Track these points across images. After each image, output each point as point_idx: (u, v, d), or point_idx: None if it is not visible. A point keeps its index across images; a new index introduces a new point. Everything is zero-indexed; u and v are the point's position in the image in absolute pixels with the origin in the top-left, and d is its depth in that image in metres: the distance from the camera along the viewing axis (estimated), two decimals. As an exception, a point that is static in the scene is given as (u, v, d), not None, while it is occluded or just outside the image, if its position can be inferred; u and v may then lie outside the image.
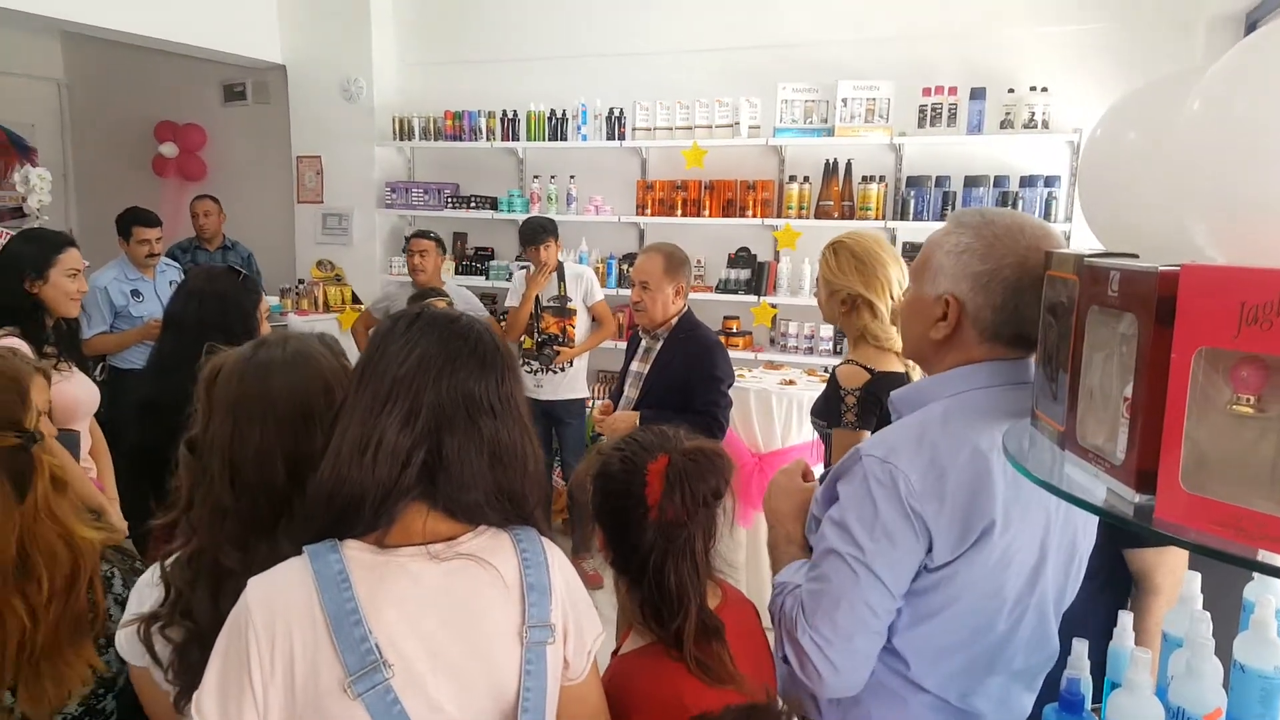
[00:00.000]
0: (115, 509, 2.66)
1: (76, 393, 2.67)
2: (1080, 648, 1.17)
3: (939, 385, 1.37)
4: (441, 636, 1.04)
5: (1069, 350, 0.97)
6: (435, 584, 1.05)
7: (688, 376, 3.12)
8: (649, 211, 5.18)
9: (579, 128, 5.27)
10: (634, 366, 3.31)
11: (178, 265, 4.62)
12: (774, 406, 3.83)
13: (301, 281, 5.77)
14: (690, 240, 4.51)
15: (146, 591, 1.24)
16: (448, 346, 1.08)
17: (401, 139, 5.76)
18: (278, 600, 1.01)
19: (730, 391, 3.20)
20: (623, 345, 5.16)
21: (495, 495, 1.09)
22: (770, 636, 1.46)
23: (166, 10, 5.23)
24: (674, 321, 3.21)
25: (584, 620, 1.16)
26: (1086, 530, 1.45)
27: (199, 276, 2.46)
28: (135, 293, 4.25)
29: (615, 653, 1.44)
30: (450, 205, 5.69)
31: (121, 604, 1.31)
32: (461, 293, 4.64)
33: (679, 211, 5.12)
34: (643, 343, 3.31)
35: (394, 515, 1.05)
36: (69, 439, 2.58)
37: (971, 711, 1.37)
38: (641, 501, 1.29)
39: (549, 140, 5.36)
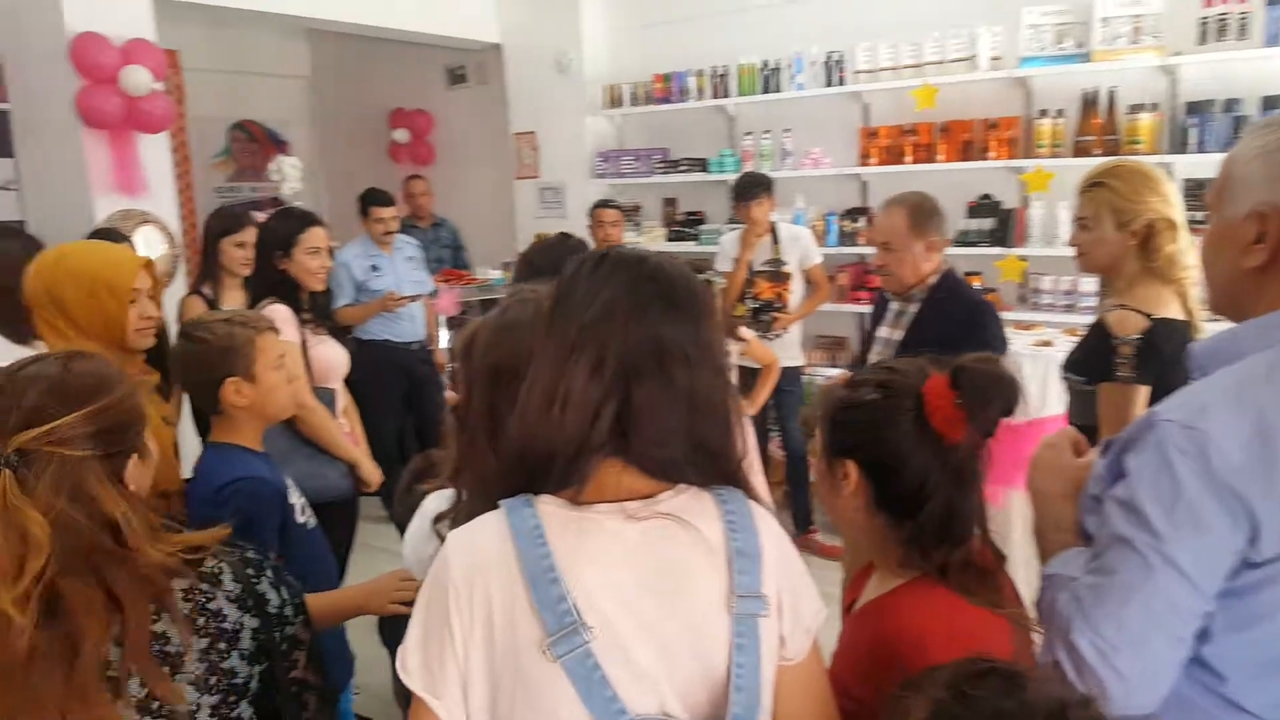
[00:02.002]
0: (369, 462, 2.87)
1: (330, 355, 2.90)
2: None
3: (1260, 332, 1.10)
4: (643, 600, 0.97)
5: None
6: (634, 543, 0.98)
7: (954, 346, 2.72)
8: (873, 161, 4.81)
9: (793, 77, 4.99)
10: (882, 332, 2.95)
11: (416, 242, 4.83)
12: (1027, 371, 3.40)
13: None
14: (921, 189, 4.09)
15: (424, 547, 1.29)
16: (636, 289, 1.01)
17: (611, 107, 5.74)
18: (476, 553, 0.98)
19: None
20: (844, 308, 4.91)
21: (693, 451, 1.01)
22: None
23: (396, 0, 5.47)
24: (931, 281, 2.83)
25: (801, 594, 1.06)
26: None
27: (537, 250, 2.46)
28: (374, 268, 4.50)
29: (849, 608, 1.35)
30: (659, 170, 5.60)
31: (236, 600, 1.24)
32: None
33: (908, 158, 4.71)
34: (893, 306, 2.94)
35: (586, 473, 0.99)
36: (325, 396, 2.82)
37: (1309, 740, 1.08)
38: (915, 427, 1.17)
39: (761, 93, 5.12)
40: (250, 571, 1.26)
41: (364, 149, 7.36)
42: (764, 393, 3.68)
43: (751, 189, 4.24)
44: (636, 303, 1.00)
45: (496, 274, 5.71)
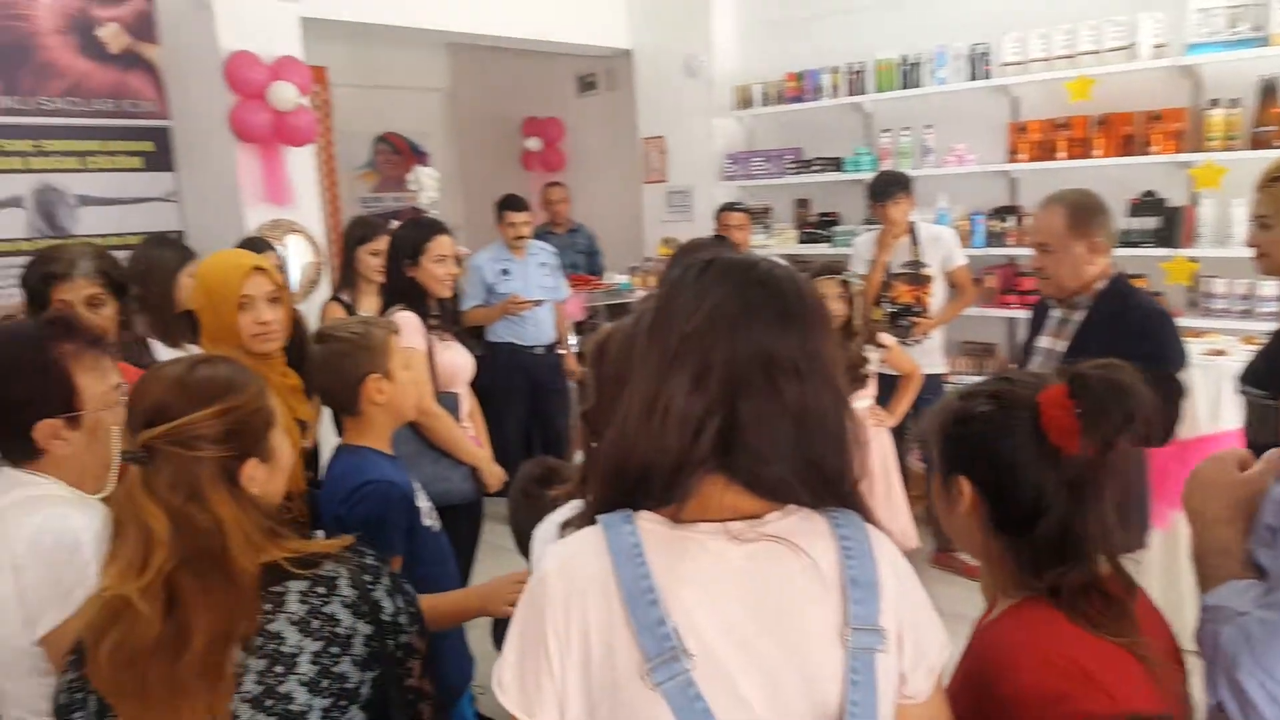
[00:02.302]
0: (490, 465, 2.91)
1: (456, 360, 2.95)
2: None
3: None
4: (748, 627, 0.92)
5: None
6: (739, 566, 0.92)
7: (1125, 357, 2.48)
8: (1022, 157, 4.53)
9: (935, 71, 4.77)
10: (1043, 342, 2.72)
11: (551, 248, 4.88)
12: (1198, 383, 3.11)
13: (648, 259, 5.88)
14: (1074, 186, 3.81)
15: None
16: (743, 296, 0.95)
17: (742, 108, 5.65)
18: (574, 570, 0.95)
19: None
20: (991, 312, 4.64)
21: (804, 469, 0.94)
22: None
23: (531, 10, 5.57)
24: (1099, 286, 2.59)
25: (924, 628, 0.98)
26: None
27: (687, 253, 2.43)
28: (504, 271, 4.58)
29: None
30: (791, 170, 5.46)
31: (351, 606, 1.22)
32: None
33: (1061, 154, 4.41)
34: (1055, 313, 2.70)
35: (688, 489, 0.94)
36: (449, 401, 2.86)
37: None
38: (1031, 440, 1.11)
39: (900, 89, 4.92)
40: (367, 578, 1.25)
41: (498, 157, 7.53)
42: (904, 402, 3.49)
43: (888, 188, 4.07)
44: (743, 310, 0.94)
45: (622, 279, 5.71)
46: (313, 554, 1.24)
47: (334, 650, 1.20)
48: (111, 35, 4.41)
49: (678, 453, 0.92)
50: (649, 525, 0.94)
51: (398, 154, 7.58)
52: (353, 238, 3.49)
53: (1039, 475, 1.11)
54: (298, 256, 4.44)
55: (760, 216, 5.61)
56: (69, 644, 1.26)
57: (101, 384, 1.53)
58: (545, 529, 1.42)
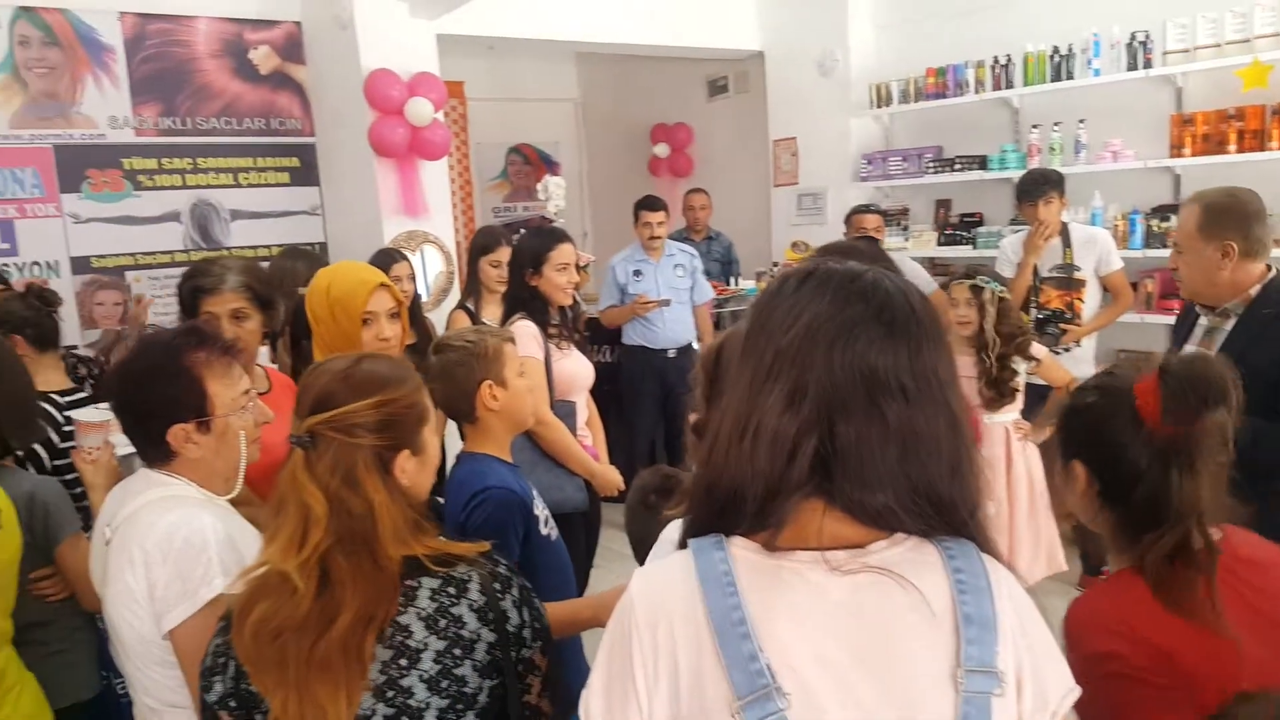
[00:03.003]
0: (607, 472, 2.92)
1: (574, 369, 2.96)
2: None
3: None
4: (848, 666, 0.85)
5: None
6: (839, 600, 0.87)
7: (1276, 372, 2.23)
8: (1186, 151, 4.17)
9: (1089, 62, 4.44)
10: (1189, 351, 2.49)
11: (693, 252, 4.84)
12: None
13: (775, 264, 5.74)
14: (1248, 182, 3.43)
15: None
16: (844, 310, 0.89)
17: (878, 106, 5.44)
18: (661, 595, 0.91)
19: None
20: (1151, 318, 4.29)
21: (912, 497, 0.88)
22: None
23: (660, 17, 5.56)
24: (1252, 293, 2.34)
25: (1045, 669, 0.90)
26: None
27: (830, 250, 2.43)
28: (637, 272, 4.59)
29: None
30: (931, 169, 5.21)
31: (477, 611, 1.24)
32: (905, 264, 4.17)
33: (1231, 147, 4.02)
34: (1201, 321, 2.46)
35: (783, 515, 0.88)
36: (565, 409, 2.86)
37: None
38: (1131, 422, 1.27)
39: (1050, 82, 4.62)
40: (497, 586, 1.27)
41: (626, 164, 7.56)
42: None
43: (1039, 186, 3.83)
44: (843, 326, 0.87)
45: (749, 284, 5.59)
46: (449, 554, 1.27)
47: (456, 652, 1.22)
48: (262, 57, 4.66)
49: (770, 476, 0.87)
50: (742, 552, 0.89)
51: (529, 164, 7.74)
52: (475, 248, 3.56)
53: (1137, 450, 1.27)
54: (431, 266, 4.56)
55: (897, 218, 5.39)
56: (195, 638, 1.32)
57: (231, 390, 1.59)
58: (661, 548, 1.38)
